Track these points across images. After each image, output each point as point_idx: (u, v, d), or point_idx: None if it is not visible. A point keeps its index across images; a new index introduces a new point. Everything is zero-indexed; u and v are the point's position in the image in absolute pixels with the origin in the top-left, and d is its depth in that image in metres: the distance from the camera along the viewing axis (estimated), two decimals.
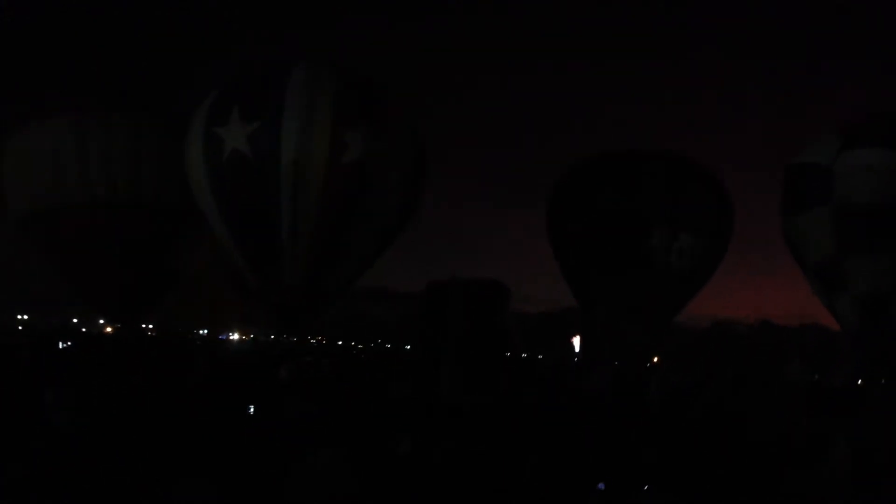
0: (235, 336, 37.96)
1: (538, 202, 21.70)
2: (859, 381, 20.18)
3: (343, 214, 16.12)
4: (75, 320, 46.74)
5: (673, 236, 18.56)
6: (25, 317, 48.34)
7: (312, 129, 15.55)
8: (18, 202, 20.12)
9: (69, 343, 19.41)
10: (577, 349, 29.34)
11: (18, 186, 19.97)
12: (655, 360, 30.27)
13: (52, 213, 19.29)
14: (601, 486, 6.11)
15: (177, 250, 21.33)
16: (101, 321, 37.22)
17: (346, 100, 16.01)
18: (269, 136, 15.57)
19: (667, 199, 18.71)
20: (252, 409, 7.47)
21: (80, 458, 5.21)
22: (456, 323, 12.64)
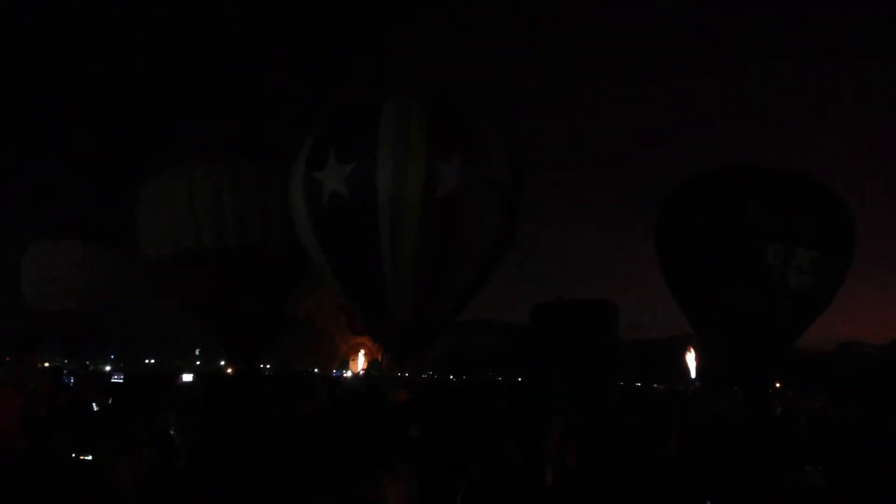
0: (349, 373, 38.64)
1: (646, 224, 21.25)
2: None
3: (442, 247, 16.17)
4: (198, 363, 48.77)
5: (790, 252, 17.80)
6: (152, 360, 50.90)
7: (405, 165, 15.72)
8: (153, 247, 21.21)
9: (192, 378, 20.20)
10: (692, 374, 28.45)
11: (154, 231, 21.02)
12: (777, 385, 29.01)
13: (186, 258, 20.11)
14: None
15: (298, 293, 21.97)
16: (223, 362, 38.74)
17: (437, 132, 16.10)
18: (364, 177, 15.83)
19: (782, 213, 17.96)
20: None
21: (195, 478, 5.42)
22: (565, 343, 12.50)
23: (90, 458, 5.68)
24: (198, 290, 20.67)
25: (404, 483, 4.94)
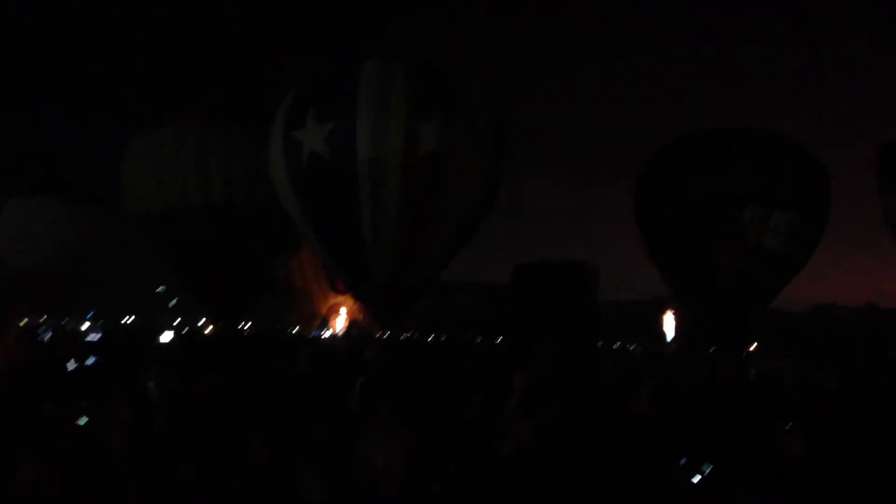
0: (329, 332, 38.69)
1: (628, 187, 21.30)
2: None
3: (422, 207, 16.20)
4: (178, 320, 48.57)
5: (766, 214, 17.94)
6: (131, 319, 50.64)
7: (386, 125, 15.65)
8: (138, 202, 21.10)
9: (172, 337, 20.05)
10: (670, 336, 28.77)
11: (140, 187, 20.93)
12: (754, 346, 29.40)
13: (172, 214, 20.11)
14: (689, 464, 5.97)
15: (283, 253, 21.95)
16: (203, 321, 38.64)
17: (419, 92, 16.03)
18: (344, 136, 15.75)
19: (758, 175, 18.05)
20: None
21: (172, 436, 5.43)
22: (545, 303, 12.61)
23: (85, 421, 5.67)
24: (182, 247, 20.67)
25: (394, 444, 4.99)
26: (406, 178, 15.80)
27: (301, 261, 28.87)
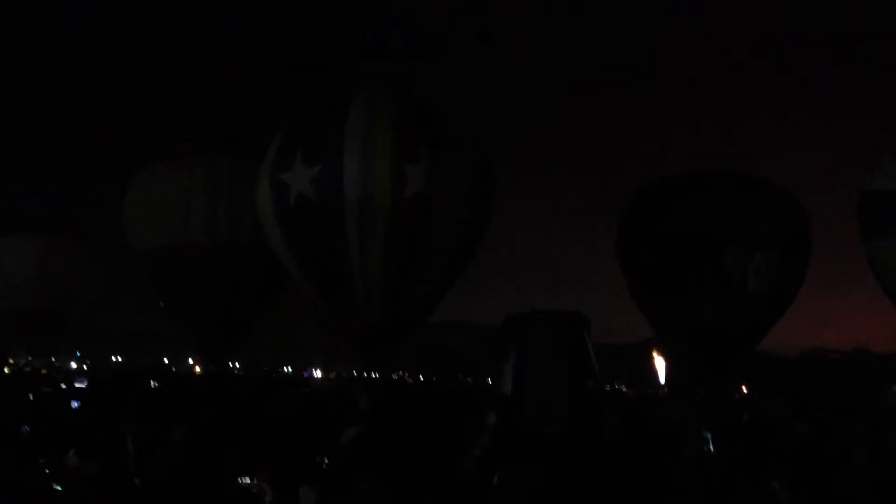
0: (318, 373, 38.43)
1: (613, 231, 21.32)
2: None
3: (410, 247, 16.23)
4: (166, 360, 48.20)
5: (748, 256, 18.02)
6: (119, 358, 50.24)
7: (373, 166, 15.78)
8: (141, 238, 20.99)
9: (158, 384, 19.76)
10: (661, 378, 28.61)
11: (144, 223, 20.79)
12: (744, 389, 29.27)
13: (176, 252, 19.98)
14: None
15: (279, 292, 21.79)
16: (191, 360, 38.31)
17: (405, 133, 16.16)
18: (331, 178, 15.85)
19: (739, 217, 18.19)
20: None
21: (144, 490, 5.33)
22: (536, 355, 12.51)
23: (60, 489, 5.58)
24: (183, 284, 20.49)
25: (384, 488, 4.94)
26: (393, 219, 15.85)
27: (291, 301, 28.82)
